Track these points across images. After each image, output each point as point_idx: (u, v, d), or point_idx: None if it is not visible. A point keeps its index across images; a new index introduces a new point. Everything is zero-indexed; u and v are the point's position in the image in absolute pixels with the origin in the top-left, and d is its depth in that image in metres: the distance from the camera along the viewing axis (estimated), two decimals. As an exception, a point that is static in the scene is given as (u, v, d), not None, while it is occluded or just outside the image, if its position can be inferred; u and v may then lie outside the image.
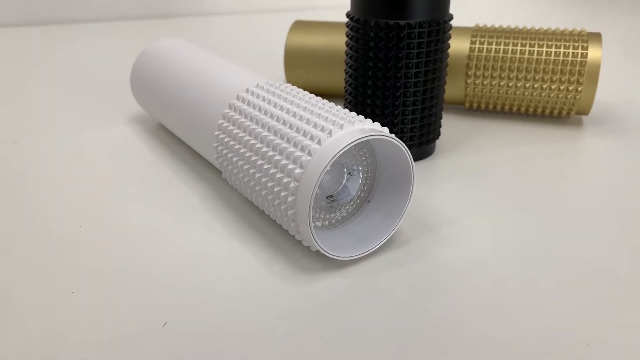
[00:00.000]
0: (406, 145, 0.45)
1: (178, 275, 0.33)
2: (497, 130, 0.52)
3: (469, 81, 0.52)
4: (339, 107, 0.35)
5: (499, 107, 0.54)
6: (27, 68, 0.72)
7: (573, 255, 0.34)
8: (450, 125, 0.53)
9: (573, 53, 0.50)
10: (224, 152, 0.36)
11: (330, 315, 0.29)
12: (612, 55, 0.77)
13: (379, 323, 0.29)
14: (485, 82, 0.52)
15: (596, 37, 0.51)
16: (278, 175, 0.31)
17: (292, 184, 0.30)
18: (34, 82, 0.67)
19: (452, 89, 0.54)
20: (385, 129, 0.33)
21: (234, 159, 0.35)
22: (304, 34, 0.58)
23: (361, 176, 0.35)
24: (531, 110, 0.53)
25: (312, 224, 0.31)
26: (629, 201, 0.41)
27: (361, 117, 0.33)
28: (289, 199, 0.31)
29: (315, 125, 0.32)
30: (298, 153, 0.31)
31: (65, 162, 0.46)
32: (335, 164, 0.34)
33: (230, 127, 0.36)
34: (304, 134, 0.31)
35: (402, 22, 0.41)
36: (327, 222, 0.35)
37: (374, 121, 0.44)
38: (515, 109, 0.53)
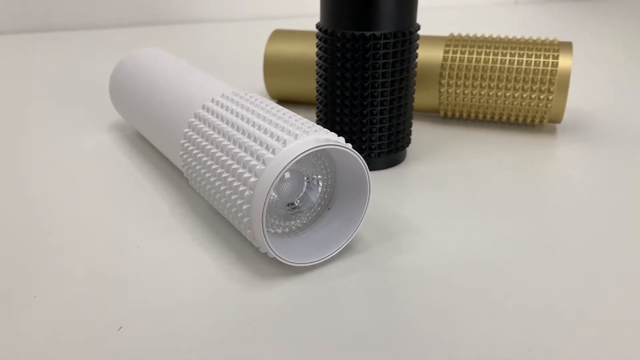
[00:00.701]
0: (376, 153, 0.46)
1: (138, 280, 0.33)
2: (470, 138, 0.53)
3: (442, 90, 0.53)
4: (300, 118, 0.35)
5: (473, 115, 0.54)
6: (10, 75, 0.73)
7: (529, 263, 0.35)
8: (425, 133, 0.54)
9: (544, 62, 0.51)
10: (189, 160, 0.37)
11: (282, 321, 0.30)
12: (588, 63, 0.78)
13: (331, 328, 0.30)
14: (458, 91, 0.53)
15: (567, 46, 0.52)
16: (235, 184, 0.32)
17: (247, 192, 0.31)
18: (17, 88, 0.68)
19: (427, 97, 0.54)
20: (341, 139, 0.33)
21: (197, 167, 0.36)
22: (283, 43, 0.59)
23: (321, 184, 0.36)
24: (504, 118, 0.54)
25: (268, 231, 0.32)
26: (594, 210, 0.41)
27: (319, 127, 0.34)
28: (244, 206, 0.31)
29: (271, 135, 0.32)
30: (253, 162, 0.31)
31: (39, 167, 0.47)
32: (295, 172, 0.35)
33: (195, 136, 0.37)
34: (260, 144, 0.32)
35: (367, 34, 0.42)
36: (287, 229, 0.36)
37: (344, 130, 0.45)
38: (489, 117, 0.54)
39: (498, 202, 0.42)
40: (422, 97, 0.55)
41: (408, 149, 0.50)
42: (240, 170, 0.32)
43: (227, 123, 0.35)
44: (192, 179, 0.37)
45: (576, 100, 0.62)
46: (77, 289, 0.33)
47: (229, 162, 0.33)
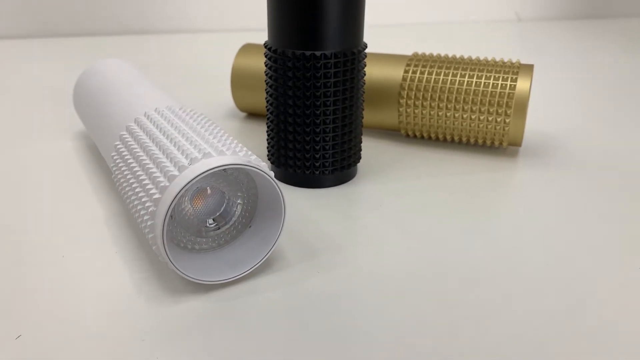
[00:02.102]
0: (322, 170, 0.45)
1: (51, 290, 0.34)
2: (428, 159, 0.52)
3: (401, 109, 0.53)
4: (223, 136, 0.36)
5: (433, 135, 0.54)
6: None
7: (448, 292, 0.34)
8: (383, 151, 0.54)
9: (502, 84, 0.50)
10: (116, 172, 0.38)
11: (176, 338, 0.30)
12: (557, 86, 0.77)
13: (227, 347, 0.30)
14: (416, 111, 0.52)
15: (527, 68, 0.51)
16: (144, 199, 0.33)
17: (151, 208, 0.31)
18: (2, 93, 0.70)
19: (389, 116, 0.54)
20: (254, 159, 0.33)
21: (121, 179, 0.36)
22: (251, 57, 0.59)
23: (240, 202, 0.36)
24: (464, 139, 0.53)
25: (185, 247, 0.32)
26: (532, 238, 0.40)
27: (238, 146, 0.34)
28: (149, 222, 0.32)
29: (183, 152, 0.33)
30: (160, 178, 0.32)
31: None
32: (215, 189, 0.35)
33: (122, 149, 0.38)
34: (171, 160, 0.33)
35: (317, 53, 0.42)
36: (206, 246, 0.36)
37: (295, 147, 0.45)
38: (449, 138, 0.54)
39: (438, 226, 0.41)
40: (384, 115, 0.54)
41: (361, 166, 0.50)
42: (149, 186, 0.32)
43: (149, 137, 0.36)
44: (119, 191, 0.38)
45: (544, 123, 0.61)
46: (-10, 296, 0.33)
47: (142, 176, 0.34)
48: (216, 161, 0.31)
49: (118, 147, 0.38)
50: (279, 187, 0.34)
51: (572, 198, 0.46)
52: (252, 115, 0.63)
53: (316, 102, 0.43)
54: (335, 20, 0.42)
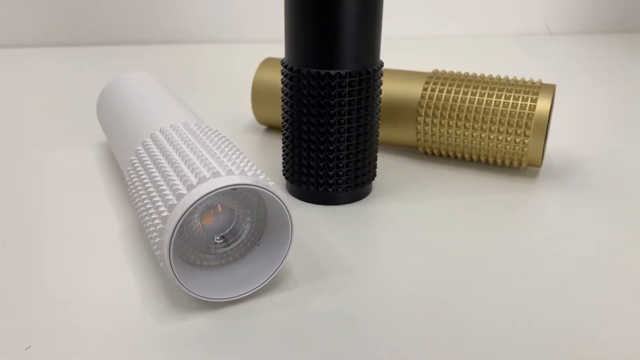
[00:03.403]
0: (336, 188, 0.45)
1: (62, 301, 0.35)
2: (444, 177, 0.52)
3: (419, 127, 0.53)
4: (234, 154, 0.36)
5: (451, 153, 0.53)
6: (19, 88, 0.78)
7: (460, 316, 0.34)
8: (400, 169, 0.53)
9: (522, 104, 0.49)
10: (130, 186, 0.38)
11: (177, 355, 0.31)
12: (584, 102, 0.75)
13: (226, 367, 0.30)
14: (434, 129, 0.52)
15: (549, 88, 0.50)
16: (153, 215, 0.33)
17: (159, 225, 0.32)
18: (22, 101, 0.72)
19: (406, 133, 0.54)
20: (262, 179, 0.34)
21: (134, 194, 0.37)
22: (272, 71, 0.60)
23: (249, 220, 0.36)
24: (483, 159, 0.52)
25: (193, 263, 0.33)
26: (548, 261, 0.39)
27: (248, 165, 0.35)
28: (157, 239, 0.32)
29: (192, 170, 0.33)
30: (170, 196, 0.32)
31: (15, 179, 0.50)
32: (225, 206, 0.36)
33: (137, 164, 0.38)
34: (181, 178, 0.33)
35: (332, 72, 0.42)
36: (214, 262, 0.36)
37: (309, 164, 0.45)
38: (467, 156, 0.53)
39: (452, 248, 0.41)
40: (402, 132, 0.54)
41: (377, 183, 0.50)
42: (159, 203, 0.33)
43: (162, 154, 0.37)
44: (132, 204, 0.38)
45: (568, 143, 0.60)
46: (2, 305, 0.34)
47: (153, 193, 0.34)
48: (224, 181, 0.32)
49: (133, 161, 0.39)
50: (286, 207, 0.34)
51: (591, 221, 0.45)
52: (272, 128, 0.63)
53: (331, 120, 0.43)
54: (351, 40, 0.42)
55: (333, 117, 0.43)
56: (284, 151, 0.48)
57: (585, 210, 0.47)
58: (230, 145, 0.38)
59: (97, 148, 0.57)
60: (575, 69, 0.96)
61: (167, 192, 0.33)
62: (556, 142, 0.59)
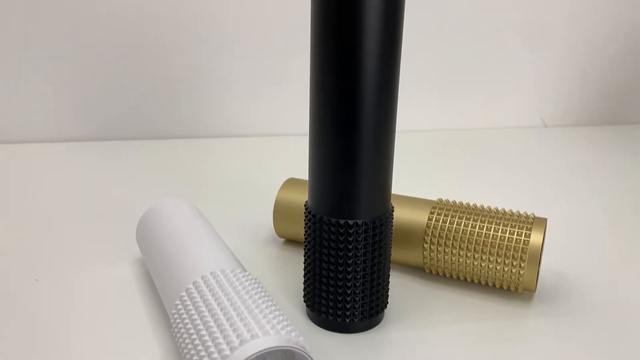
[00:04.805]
0: (351, 318, 0.51)
1: None
2: (447, 302, 0.57)
3: (425, 252, 0.59)
4: (267, 308, 0.42)
5: (454, 276, 0.59)
6: (59, 185, 0.84)
7: None
8: (407, 290, 0.59)
9: (517, 239, 0.55)
10: (175, 330, 0.44)
11: None
12: (577, 209, 0.81)
13: None
14: (439, 255, 0.58)
15: (541, 222, 0.56)
16: (199, 368, 0.39)
17: (205, 382, 0.38)
18: (63, 203, 0.78)
19: (413, 255, 0.60)
20: (294, 336, 0.39)
21: (179, 340, 0.43)
22: (294, 191, 0.66)
23: (278, 366, 0.42)
24: (483, 282, 0.58)
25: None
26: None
27: (282, 323, 0.40)
28: (202, 392, 0.38)
29: (235, 330, 0.39)
30: (215, 355, 0.38)
31: (51, 293, 0.55)
32: (260, 357, 0.41)
33: (182, 311, 0.44)
34: (224, 337, 0.39)
35: (350, 222, 0.49)
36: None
37: (327, 296, 0.51)
38: (469, 279, 0.59)
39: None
40: (410, 254, 0.60)
41: (388, 310, 0.56)
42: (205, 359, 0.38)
43: (206, 307, 0.42)
44: (176, 344, 0.44)
45: (561, 263, 0.65)
46: None
47: (199, 347, 0.40)
48: (262, 343, 0.37)
49: (178, 307, 0.45)
50: (313, 361, 0.40)
51: (581, 347, 0.50)
52: (289, 241, 0.70)
53: (348, 261, 0.50)
54: (367, 195, 0.48)
55: (350, 258, 0.50)
56: (304, 282, 0.54)
57: (580, 334, 0.52)
58: (264, 298, 0.43)
59: (136, 264, 0.63)
60: (570, 162, 1.03)
61: (212, 349, 0.38)
62: (550, 261, 0.65)
